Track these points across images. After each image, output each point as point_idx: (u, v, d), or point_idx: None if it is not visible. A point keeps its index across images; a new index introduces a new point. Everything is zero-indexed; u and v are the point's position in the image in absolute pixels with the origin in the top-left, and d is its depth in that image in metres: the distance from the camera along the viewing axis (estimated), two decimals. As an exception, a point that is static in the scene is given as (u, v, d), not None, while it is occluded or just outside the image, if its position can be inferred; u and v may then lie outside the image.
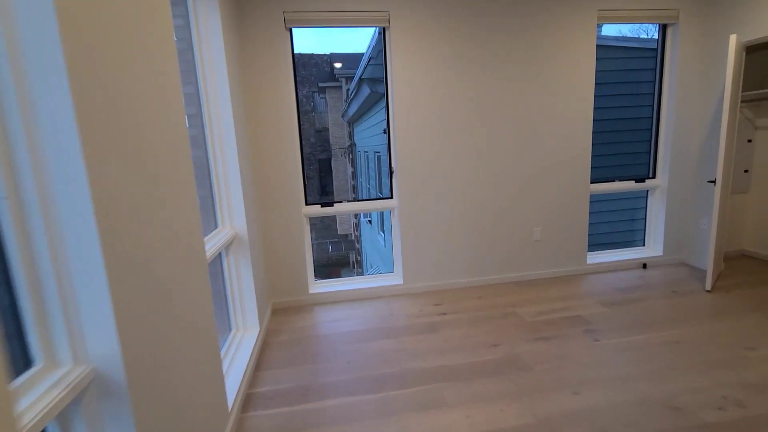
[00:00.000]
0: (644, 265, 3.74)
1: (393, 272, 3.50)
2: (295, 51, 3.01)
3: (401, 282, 3.38)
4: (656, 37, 3.56)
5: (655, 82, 3.65)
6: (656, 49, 3.58)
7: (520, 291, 3.31)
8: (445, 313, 2.95)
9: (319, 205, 3.25)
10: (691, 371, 2.11)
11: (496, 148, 3.29)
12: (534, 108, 3.28)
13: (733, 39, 2.77)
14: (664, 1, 3.32)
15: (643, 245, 3.96)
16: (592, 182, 3.56)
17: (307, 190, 3.24)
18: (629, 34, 3.60)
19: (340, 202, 3.29)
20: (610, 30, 3.54)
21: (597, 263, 3.67)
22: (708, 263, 3.13)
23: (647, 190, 3.83)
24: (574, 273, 3.64)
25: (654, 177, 3.76)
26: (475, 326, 2.72)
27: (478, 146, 3.27)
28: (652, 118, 3.71)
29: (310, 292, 3.28)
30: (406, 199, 3.25)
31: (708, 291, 3.12)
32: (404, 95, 3.11)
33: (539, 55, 3.21)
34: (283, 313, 3.13)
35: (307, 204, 3.24)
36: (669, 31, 3.49)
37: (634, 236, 4.26)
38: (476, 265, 3.45)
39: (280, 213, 3.11)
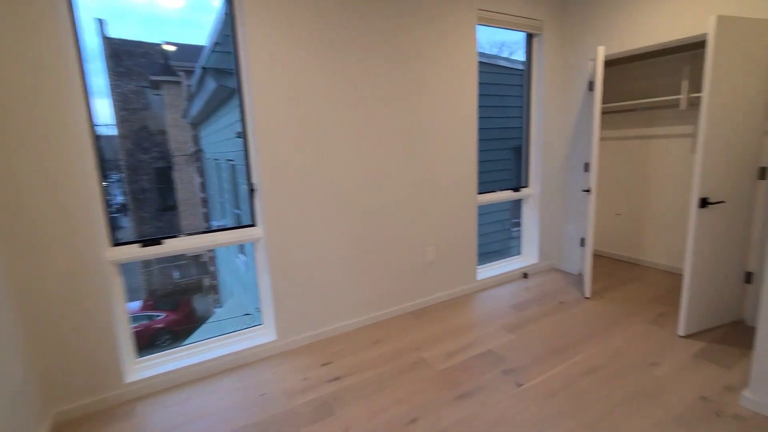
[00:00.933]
0: (525, 275, 3.72)
1: (262, 324, 2.61)
2: (116, 36, 1.86)
3: (274, 338, 2.51)
4: (523, 59, 3.58)
5: (523, 96, 3.66)
6: (522, 71, 3.59)
7: (419, 324, 2.82)
8: (338, 377, 2.22)
9: (139, 244, 2.14)
10: (623, 408, 1.90)
11: (384, 159, 2.74)
12: (419, 113, 2.85)
13: (601, 50, 2.82)
14: (531, 11, 3.30)
15: (520, 254, 3.98)
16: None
17: (118, 221, 2.11)
18: (499, 53, 3.53)
19: (174, 236, 2.24)
20: (480, 47, 3.48)
21: (485, 278, 3.48)
22: (585, 272, 3.20)
23: (521, 199, 3.85)
24: (467, 292, 3.36)
25: (527, 186, 3.79)
26: (380, 392, 2.08)
27: (363, 157, 2.66)
28: (522, 128, 3.73)
29: (128, 381, 2.12)
30: (275, 226, 2.41)
31: (587, 298, 3.18)
32: (266, 92, 2.28)
33: (422, 54, 2.80)
34: (76, 427, 1.92)
35: (115, 244, 2.09)
36: (534, 42, 3.53)
37: (503, 246, 4.30)
38: (368, 300, 2.83)
39: (53, 260, 1.88)
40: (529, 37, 3.53)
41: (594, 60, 3.33)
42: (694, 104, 3.31)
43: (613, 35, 3.17)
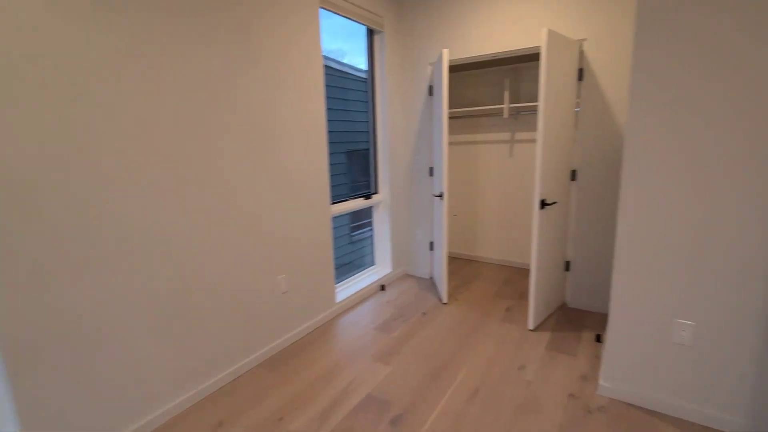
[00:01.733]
0: (382, 287, 3.49)
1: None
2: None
3: (28, 473, 1.46)
4: (366, 68, 3.32)
5: (369, 100, 3.41)
6: (366, 79, 3.33)
7: (277, 379, 2.18)
8: None
9: None
10: (514, 431, 1.76)
11: (217, 165, 1.99)
12: (263, 112, 2.21)
13: (445, 54, 2.76)
14: (372, 3, 3.05)
15: (374, 264, 3.75)
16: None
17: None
18: (340, 57, 3.18)
19: None
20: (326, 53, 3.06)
21: (344, 299, 3.07)
22: (441, 278, 3.16)
23: (371, 207, 3.61)
24: (328, 318, 2.88)
25: (377, 192, 3.57)
26: None
27: (186, 163, 1.85)
28: (369, 133, 3.47)
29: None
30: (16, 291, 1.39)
31: (445, 303, 3.15)
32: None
33: (263, 38, 2.16)
34: None
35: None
36: (376, 40, 3.30)
37: (350, 256, 4.01)
38: (202, 363, 2.02)
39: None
40: (371, 34, 3.29)
41: (433, 64, 3.32)
42: (512, 114, 3.70)
43: (450, 42, 3.21)
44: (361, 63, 3.29)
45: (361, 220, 3.74)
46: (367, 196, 3.39)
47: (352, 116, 3.28)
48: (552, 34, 2.35)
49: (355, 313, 3.02)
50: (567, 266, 3.05)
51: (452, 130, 4.15)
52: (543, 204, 2.53)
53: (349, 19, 2.89)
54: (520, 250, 3.96)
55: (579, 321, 2.81)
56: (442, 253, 3.10)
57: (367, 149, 3.45)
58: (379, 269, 3.70)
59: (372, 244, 3.72)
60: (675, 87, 1.64)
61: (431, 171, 3.54)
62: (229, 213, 2.09)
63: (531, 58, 3.46)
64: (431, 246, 3.67)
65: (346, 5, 2.79)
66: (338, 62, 3.17)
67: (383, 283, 3.54)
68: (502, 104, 3.70)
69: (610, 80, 2.66)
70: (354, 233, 3.76)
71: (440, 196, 3.04)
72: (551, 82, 2.42)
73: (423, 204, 3.63)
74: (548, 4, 2.77)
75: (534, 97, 3.60)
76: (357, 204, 3.25)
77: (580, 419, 1.84)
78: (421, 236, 3.70)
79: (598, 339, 2.54)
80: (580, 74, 2.75)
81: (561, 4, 2.73)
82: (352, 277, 3.45)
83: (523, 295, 3.27)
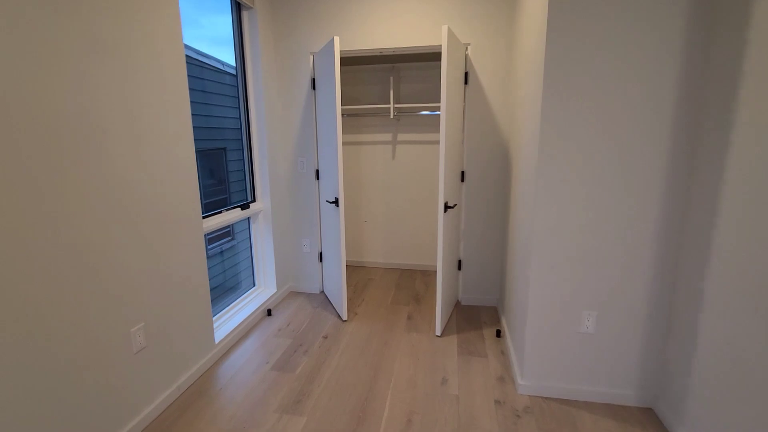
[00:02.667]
0: (269, 312, 2.96)
1: None
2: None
3: None
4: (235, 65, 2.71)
5: (239, 94, 2.81)
6: (235, 75, 2.73)
7: (142, 478, 1.52)
8: None
9: None
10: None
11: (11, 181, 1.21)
12: (108, 105, 1.48)
13: (336, 42, 2.43)
14: (240, -28, 2.50)
15: (254, 285, 3.16)
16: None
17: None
18: (210, 54, 2.53)
19: None
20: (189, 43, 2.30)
21: (226, 336, 2.46)
22: (340, 293, 2.84)
23: (249, 218, 3.03)
24: (208, 366, 2.23)
25: (255, 200, 3.01)
26: None
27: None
28: (241, 135, 2.88)
29: None
30: None
31: (345, 321, 2.84)
32: None
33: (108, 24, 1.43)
34: None
35: None
36: (245, 17, 2.74)
37: (216, 281, 3.34)
38: (-3, 497, 1.23)
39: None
40: (238, 9, 2.71)
41: (315, 54, 2.95)
42: (395, 114, 3.61)
43: (335, 32, 2.89)
44: (212, 44, 2.67)
45: (215, 231, 3.10)
46: (244, 206, 2.81)
47: (210, 110, 2.63)
48: (451, 33, 2.29)
49: (242, 351, 2.44)
50: (459, 265, 3.12)
51: (332, 130, 3.84)
52: (446, 207, 2.47)
53: (212, -16, 2.29)
54: (406, 252, 3.94)
55: (475, 318, 2.89)
56: (340, 267, 2.77)
57: (223, 148, 2.81)
58: (262, 291, 3.14)
59: (251, 261, 3.13)
60: (576, 112, 1.71)
61: (318, 174, 3.16)
62: (44, 251, 1.33)
63: (412, 58, 3.42)
64: (321, 257, 3.31)
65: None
66: (191, 48, 2.50)
67: (269, 307, 3.01)
68: (387, 104, 3.57)
69: (490, 85, 2.77)
70: (210, 246, 3.07)
71: (335, 202, 2.70)
72: (450, 83, 2.36)
73: (309, 211, 3.22)
74: (438, 5, 2.73)
75: (414, 98, 3.59)
76: (234, 216, 2.65)
77: (512, 426, 1.80)
78: (309, 247, 3.29)
79: (498, 334, 2.63)
80: (466, 78, 2.81)
81: (450, 6, 2.72)
82: (231, 305, 2.82)
83: (419, 299, 3.22)
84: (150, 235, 1.79)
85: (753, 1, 1.35)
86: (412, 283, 3.59)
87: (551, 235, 1.86)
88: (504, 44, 2.70)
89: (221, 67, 2.65)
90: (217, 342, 2.36)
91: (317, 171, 3.16)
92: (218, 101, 2.64)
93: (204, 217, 2.35)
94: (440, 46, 2.78)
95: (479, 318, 2.90)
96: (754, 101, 1.33)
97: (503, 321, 2.69)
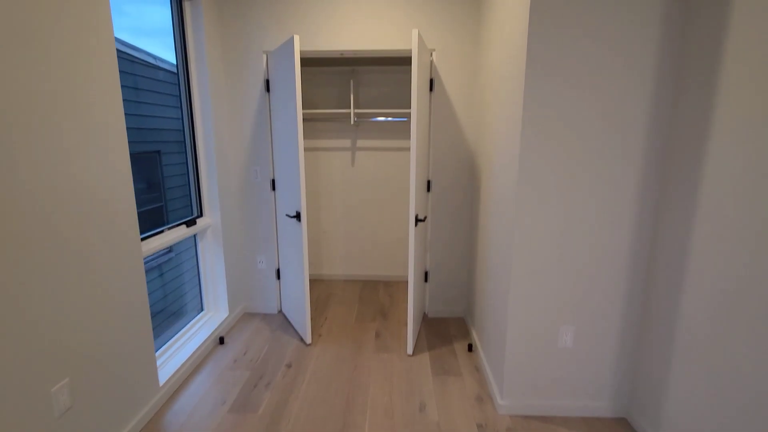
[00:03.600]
0: (221, 340, 2.65)
1: None
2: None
3: None
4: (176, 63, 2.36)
5: (181, 94, 2.47)
6: (175, 73, 2.39)
7: None
8: None
9: None
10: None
11: None
12: (24, 105, 1.15)
13: (297, 40, 2.21)
14: (181, -44, 2.19)
15: (203, 310, 2.83)
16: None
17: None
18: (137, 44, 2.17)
19: None
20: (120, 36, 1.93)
21: (171, 375, 2.13)
22: (303, 314, 2.61)
23: (195, 235, 2.69)
24: (148, 418, 1.90)
25: (202, 215, 2.68)
26: None
27: None
28: (185, 142, 2.54)
29: None
30: None
31: (310, 345, 2.62)
32: None
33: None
34: None
35: None
36: (187, 8, 2.42)
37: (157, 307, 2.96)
38: None
39: None
40: (179, 2, 2.39)
41: (269, 53, 2.69)
42: (355, 120, 3.43)
43: (292, 30, 2.65)
44: (139, 35, 2.32)
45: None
46: (190, 222, 2.48)
47: (140, 109, 2.27)
48: (420, 38, 2.17)
49: (193, 391, 2.13)
50: (426, 277, 3.03)
51: (286, 135, 3.57)
52: (417, 221, 2.36)
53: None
54: (368, 262, 3.78)
55: (444, 332, 2.81)
56: (303, 288, 2.54)
57: (156, 151, 2.45)
58: (213, 315, 2.81)
59: (199, 283, 2.79)
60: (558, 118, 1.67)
61: (274, 184, 2.90)
62: None
63: (373, 61, 3.27)
64: (278, 274, 3.04)
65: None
66: (118, 40, 2.14)
67: (222, 334, 2.70)
68: (346, 108, 3.39)
69: (456, 93, 2.71)
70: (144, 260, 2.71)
71: (296, 216, 2.47)
72: (419, 89, 2.25)
73: (265, 224, 2.95)
74: (404, 8, 2.60)
75: (374, 103, 3.45)
76: (178, 235, 2.31)
77: (500, 454, 1.72)
78: (264, 264, 3.01)
79: (470, 348, 2.57)
80: (431, 85, 2.72)
81: (416, 11, 2.60)
82: (176, 337, 2.47)
83: (386, 314, 3.08)
84: (73, 266, 1.46)
85: (728, 13, 1.37)
86: (376, 295, 3.44)
87: (531, 251, 1.81)
88: (470, 51, 2.65)
89: (153, 61, 2.30)
90: (162, 383, 2.03)
91: (273, 181, 2.89)
92: (151, 99, 2.29)
93: (143, 239, 2.01)
94: (404, 50, 2.66)
95: (448, 331, 2.82)
96: (727, 111, 1.36)
97: (473, 334, 2.64)
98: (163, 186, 2.41)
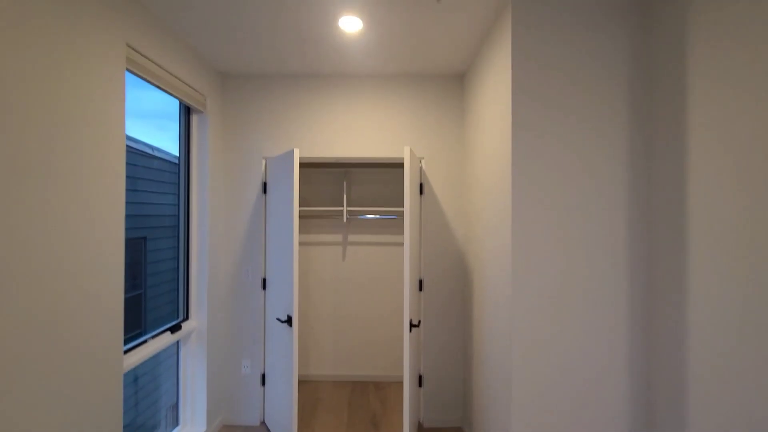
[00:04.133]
0: (195, 461, 2.37)
1: None
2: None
3: None
4: (178, 155, 2.54)
5: (180, 193, 2.56)
6: (177, 164, 2.54)
7: None
8: None
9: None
10: None
11: None
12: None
13: (296, 153, 2.36)
14: (191, 76, 2.41)
15: (178, 424, 2.57)
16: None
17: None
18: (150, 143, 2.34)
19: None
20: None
21: None
22: (290, 420, 2.39)
23: (178, 342, 2.55)
24: None
25: (188, 318, 2.58)
26: None
27: None
28: (177, 238, 2.56)
29: None
30: None
31: (295, 466, 2.36)
32: None
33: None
34: None
35: None
36: (194, 121, 2.60)
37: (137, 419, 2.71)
38: None
39: None
40: (188, 113, 2.57)
41: (268, 159, 2.85)
42: (347, 216, 3.54)
43: (291, 140, 2.85)
44: (158, 140, 2.45)
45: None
46: (175, 328, 2.37)
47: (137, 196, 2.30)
48: (412, 153, 2.35)
49: None
50: (420, 381, 2.88)
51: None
52: (411, 326, 2.32)
53: (161, 89, 2.14)
54: (357, 362, 3.60)
55: (444, 445, 2.60)
56: (291, 401, 2.37)
57: (143, 237, 2.41)
58: (187, 431, 2.55)
59: (177, 394, 2.57)
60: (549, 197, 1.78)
61: (265, 283, 2.86)
62: None
63: (366, 164, 3.48)
64: (263, 380, 2.85)
65: (154, 69, 2.05)
66: (138, 142, 2.27)
67: (197, 455, 2.42)
68: (339, 206, 3.51)
69: (444, 195, 2.86)
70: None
71: (287, 321, 2.40)
72: (411, 197, 2.37)
73: (252, 325, 2.84)
74: (396, 120, 2.86)
75: (365, 200, 3.59)
76: (163, 342, 2.19)
77: None
78: (249, 368, 2.83)
79: (473, 467, 2.35)
80: (421, 189, 2.88)
81: (406, 122, 2.86)
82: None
83: (378, 424, 2.85)
84: (47, 384, 1.34)
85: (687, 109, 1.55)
86: (366, 400, 3.21)
87: (530, 364, 1.77)
88: (455, 158, 2.86)
89: (150, 151, 2.40)
90: None
91: (264, 280, 2.86)
92: (147, 187, 2.33)
93: (128, 350, 1.90)
94: (396, 158, 2.86)
95: (447, 444, 2.61)
96: (695, 168, 1.46)
97: (475, 449, 2.44)
98: (145, 270, 2.33)
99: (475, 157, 2.49)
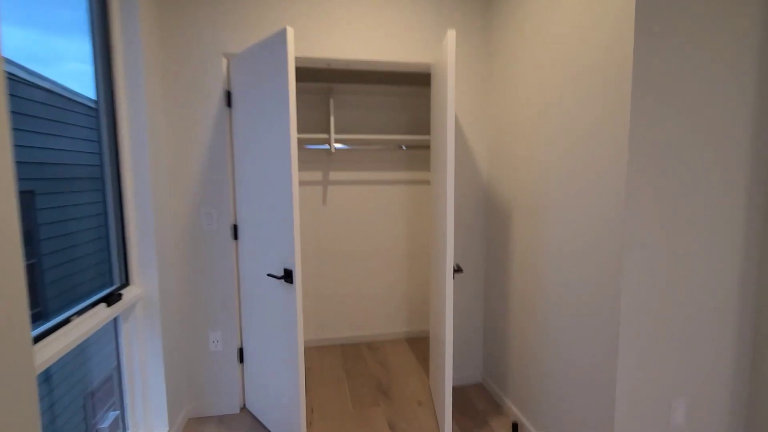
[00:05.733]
0: (162, 476, 1.70)
1: None
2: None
3: None
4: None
5: (100, 116, 1.65)
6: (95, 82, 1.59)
7: None
8: None
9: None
10: None
11: None
12: None
13: (290, 34, 1.60)
14: None
15: (126, 429, 1.84)
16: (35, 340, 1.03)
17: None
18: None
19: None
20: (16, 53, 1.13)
21: None
22: (290, 410, 1.81)
23: (116, 320, 1.76)
24: None
25: (129, 283, 1.78)
26: None
27: None
28: (102, 181, 1.68)
29: None
30: None
31: (305, 460, 1.81)
32: None
33: None
34: None
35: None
36: (114, 5, 1.66)
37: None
38: None
39: None
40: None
41: (231, 56, 2.01)
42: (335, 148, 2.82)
43: (266, 27, 2.02)
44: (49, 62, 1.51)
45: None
46: (112, 297, 1.58)
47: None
48: (449, 41, 1.72)
49: None
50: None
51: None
52: (455, 271, 1.81)
53: None
54: (344, 322, 3.06)
55: (470, 406, 2.23)
56: (296, 375, 1.77)
57: (30, 191, 1.54)
58: (143, 436, 1.84)
59: (119, 390, 1.81)
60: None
61: (236, 231, 2.12)
62: None
63: (353, 77, 2.76)
64: (241, 355, 2.19)
65: None
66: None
67: (163, 468, 1.75)
68: (326, 133, 2.78)
69: (464, 112, 2.31)
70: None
71: (284, 277, 1.74)
72: (441, 109, 1.77)
73: (222, 287, 2.12)
74: (400, 10, 2.16)
75: (354, 127, 2.89)
76: (93, 323, 1.41)
77: None
78: (221, 343, 2.14)
79: (515, 429, 2.02)
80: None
81: (426, 20, 2.18)
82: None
83: (388, 392, 2.39)
84: None
85: None
86: (365, 366, 2.72)
87: (639, 309, 1.39)
88: (485, 70, 2.29)
89: (28, 77, 1.46)
90: None
91: (235, 227, 2.12)
92: (32, 126, 1.43)
93: (39, 339, 1.12)
94: (410, 63, 2.20)
95: (473, 404, 2.25)
96: None
97: (512, 407, 2.10)
98: (37, 233, 1.48)
99: (524, 69, 1.93)
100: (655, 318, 1.40)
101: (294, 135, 1.65)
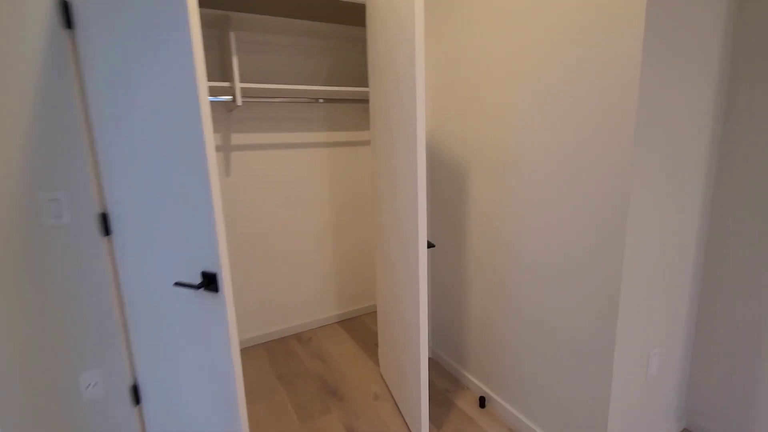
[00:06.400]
0: None
1: None
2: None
3: None
4: None
5: None
6: None
7: None
8: None
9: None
10: None
11: None
12: None
13: None
14: None
15: None
16: None
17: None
18: None
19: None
20: None
21: None
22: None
23: None
24: None
25: None
26: None
27: None
28: None
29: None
30: None
31: None
32: None
33: None
34: None
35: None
36: None
37: None
38: None
39: None
40: None
41: (62, -58, 1.22)
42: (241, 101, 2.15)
43: None
44: None
45: None
46: None
47: None
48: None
49: None
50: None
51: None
52: (429, 245, 1.51)
53: None
54: (264, 317, 2.56)
55: (429, 384, 2.06)
56: (236, 409, 1.29)
57: None
58: None
59: None
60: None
61: (108, 223, 1.42)
62: None
63: (250, 5, 2.09)
64: (136, 395, 1.57)
65: None
66: None
67: None
68: (228, 81, 2.08)
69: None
70: None
71: (207, 284, 1.20)
72: (392, 51, 1.38)
73: (92, 308, 1.43)
74: None
75: (261, 77, 2.26)
76: None
77: None
78: (100, 386, 1.48)
79: (482, 403, 1.91)
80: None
81: None
82: None
83: (337, 392, 2.06)
84: None
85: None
86: (299, 364, 2.31)
87: (643, 266, 1.31)
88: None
89: None
90: None
91: (104, 216, 1.42)
92: None
93: None
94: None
95: (432, 382, 2.08)
96: None
97: (471, 379, 1.98)
98: None
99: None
100: (654, 266, 1.36)
101: (202, 74, 1.07)
